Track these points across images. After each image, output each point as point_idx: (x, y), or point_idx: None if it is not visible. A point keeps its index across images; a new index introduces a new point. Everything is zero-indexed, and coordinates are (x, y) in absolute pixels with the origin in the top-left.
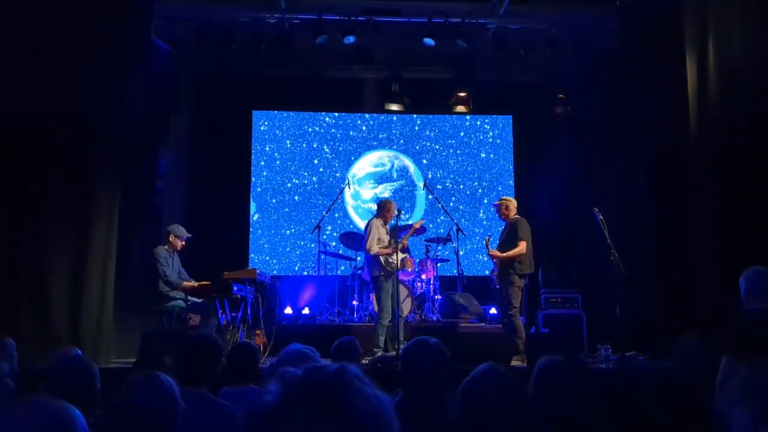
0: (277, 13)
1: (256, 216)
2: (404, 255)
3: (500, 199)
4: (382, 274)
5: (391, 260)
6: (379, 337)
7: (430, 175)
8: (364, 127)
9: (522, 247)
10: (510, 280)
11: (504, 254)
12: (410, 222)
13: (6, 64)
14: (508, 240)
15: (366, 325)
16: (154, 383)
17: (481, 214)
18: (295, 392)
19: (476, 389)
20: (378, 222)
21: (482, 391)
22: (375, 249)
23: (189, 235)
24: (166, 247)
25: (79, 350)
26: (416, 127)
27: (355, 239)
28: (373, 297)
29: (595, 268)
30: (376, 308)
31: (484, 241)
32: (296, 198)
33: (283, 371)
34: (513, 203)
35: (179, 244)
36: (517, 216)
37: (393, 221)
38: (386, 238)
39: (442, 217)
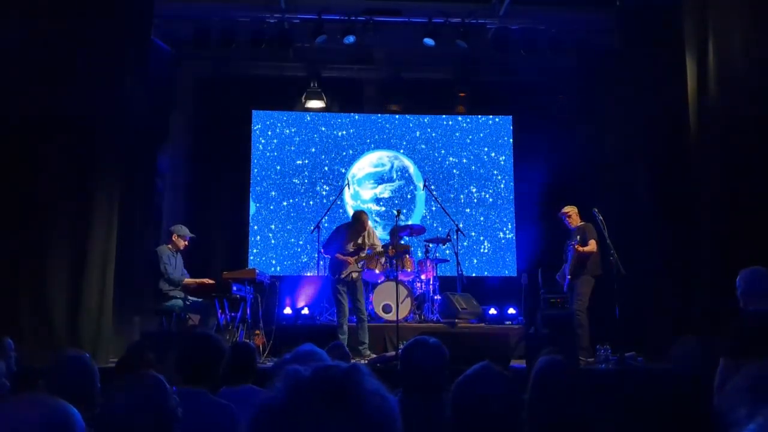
0: (277, 13)
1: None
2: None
3: (567, 208)
4: (332, 278)
5: (342, 270)
6: (339, 337)
7: (428, 171)
8: (364, 127)
9: (593, 245)
10: (584, 280)
11: (586, 249)
12: (410, 222)
13: (6, 64)
14: (581, 244)
15: (355, 326)
16: (151, 383)
17: (477, 210)
18: (307, 389)
19: (467, 388)
20: (342, 229)
21: (473, 390)
22: (330, 252)
23: (192, 235)
24: (169, 246)
25: (82, 352)
26: (416, 127)
27: None
28: (372, 297)
29: None
30: (376, 309)
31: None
32: (296, 198)
33: (290, 368)
34: (575, 210)
35: (182, 243)
36: (583, 222)
37: (393, 222)
38: (350, 249)
39: (440, 220)
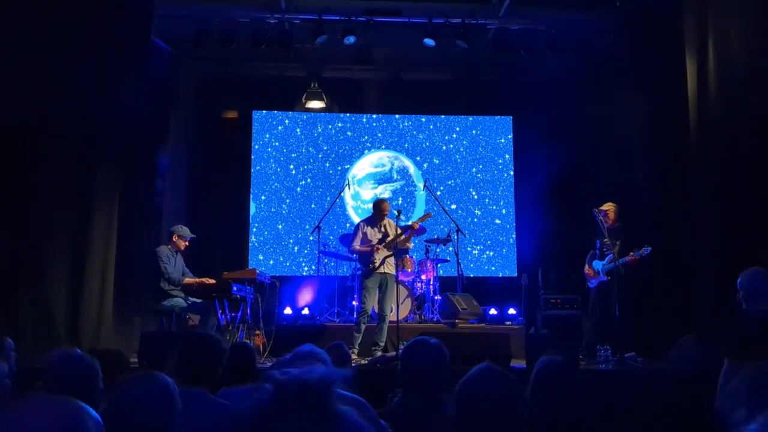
0: (277, 13)
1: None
2: (405, 254)
3: (607, 205)
4: (363, 272)
5: (372, 258)
6: (354, 336)
7: (427, 169)
8: (364, 127)
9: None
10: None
11: (638, 256)
12: (409, 222)
13: (6, 64)
14: (624, 245)
15: (373, 326)
16: (151, 382)
17: (478, 211)
18: (278, 400)
19: (472, 388)
20: (362, 224)
21: (479, 390)
22: (357, 247)
23: (193, 236)
24: (169, 246)
25: (78, 349)
26: (416, 128)
27: None
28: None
29: None
30: (376, 309)
31: (637, 251)
32: (296, 198)
33: (270, 374)
34: (614, 208)
35: (182, 244)
36: (619, 223)
37: (394, 222)
38: (377, 237)
39: (440, 220)
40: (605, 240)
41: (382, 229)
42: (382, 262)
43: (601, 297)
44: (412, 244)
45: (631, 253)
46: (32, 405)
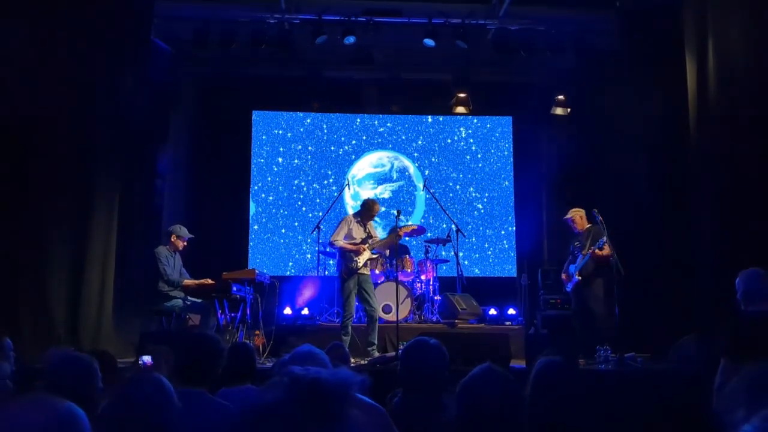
0: (277, 13)
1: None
2: (404, 255)
3: (572, 212)
4: (344, 272)
5: (356, 258)
6: (343, 340)
7: (427, 173)
8: (363, 127)
9: (607, 248)
10: (599, 283)
11: (604, 252)
12: (409, 223)
13: (6, 64)
14: (593, 246)
15: (365, 326)
16: (150, 382)
17: (477, 212)
18: (291, 400)
19: (474, 389)
20: (351, 218)
21: (480, 391)
22: (340, 242)
23: (191, 236)
24: (167, 246)
25: (74, 348)
26: (416, 128)
27: None
28: None
29: None
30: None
31: (599, 246)
32: (296, 198)
33: (289, 368)
34: (581, 213)
35: (180, 244)
36: (589, 224)
37: (393, 222)
38: (361, 235)
39: (440, 220)
40: (575, 243)
41: (367, 230)
42: (365, 264)
43: (577, 297)
44: (388, 251)
45: (591, 249)
46: (24, 404)
